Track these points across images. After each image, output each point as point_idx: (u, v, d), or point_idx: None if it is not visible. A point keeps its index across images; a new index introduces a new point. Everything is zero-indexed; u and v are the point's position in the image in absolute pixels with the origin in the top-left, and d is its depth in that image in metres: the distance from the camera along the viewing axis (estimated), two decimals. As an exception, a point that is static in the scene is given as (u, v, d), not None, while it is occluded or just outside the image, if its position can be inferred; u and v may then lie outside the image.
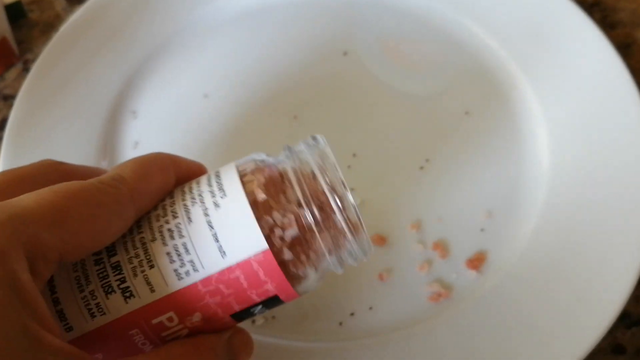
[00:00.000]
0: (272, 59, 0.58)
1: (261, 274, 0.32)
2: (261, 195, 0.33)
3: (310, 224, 0.33)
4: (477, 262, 0.47)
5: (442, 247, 0.48)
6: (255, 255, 0.32)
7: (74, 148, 0.53)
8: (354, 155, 0.53)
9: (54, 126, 0.54)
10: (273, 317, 0.46)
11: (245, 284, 0.33)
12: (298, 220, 0.33)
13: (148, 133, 0.55)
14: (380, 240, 0.48)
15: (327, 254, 0.34)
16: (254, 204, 0.33)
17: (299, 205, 0.33)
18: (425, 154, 0.52)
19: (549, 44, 0.56)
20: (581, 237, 0.46)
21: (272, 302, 0.34)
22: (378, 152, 0.53)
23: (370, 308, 0.46)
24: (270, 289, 0.33)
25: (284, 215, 0.33)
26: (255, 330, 0.45)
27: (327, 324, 0.45)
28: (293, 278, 0.33)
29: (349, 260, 0.35)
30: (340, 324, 0.45)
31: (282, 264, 0.33)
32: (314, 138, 0.36)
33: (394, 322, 0.45)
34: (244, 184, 0.33)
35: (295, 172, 0.34)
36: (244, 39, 0.59)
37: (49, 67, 0.56)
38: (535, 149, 0.52)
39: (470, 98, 0.55)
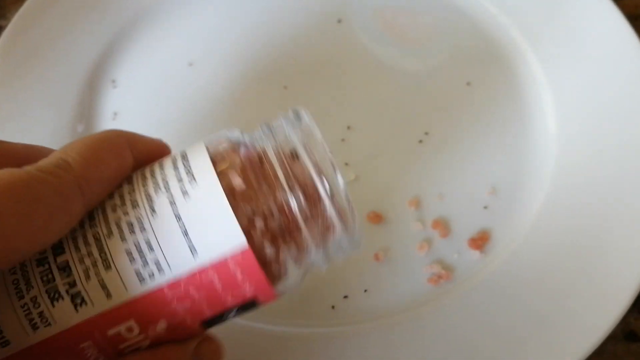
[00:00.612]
0: (261, 24, 0.56)
1: (239, 274, 0.28)
2: (237, 181, 0.29)
3: (296, 214, 0.29)
4: (480, 241, 0.45)
5: (442, 226, 0.46)
6: (232, 253, 0.28)
7: (49, 119, 0.51)
8: (348, 127, 0.51)
9: (28, 94, 0.51)
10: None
11: (219, 287, 0.28)
12: (281, 209, 0.29)
13: (128, 103, 0.53)
14: (376, 217, 0.46)
15: (313, 248, 0.30)
16: (230, 192, 0.28)
17: (282, 191, 0.29)
18: (425, 127, 0.50)
19: (553, 9, 0.54)
20: (592, 214, 0.44)
21: (248, 306, 0.30)
22: (374, 124, 0.51)
23: (365, 291, 0.44)
24: (249, 291, 0.29)
25: (265, 205, 0.28)
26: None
27: (318, 308, 0.43)
28: (274, 277, 0.30)
29: (337, 254, 0.31)
30: (333, 307, 0.43)
31: (263, 262, 0.29)
32: (296, 113, 0.31)
33: (391, 306, 0.43)
34: (216, 167, 0.29)
35: (277, 152, 0.30)
36: (232, 2, 0.57)
37: (22, 32, 0.54)
38: (541, 120, 0.50)
39: (471, 68, 0.53)
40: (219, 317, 0.30)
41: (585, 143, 0.48)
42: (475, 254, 0.45)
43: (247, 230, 0.28)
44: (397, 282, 0.44)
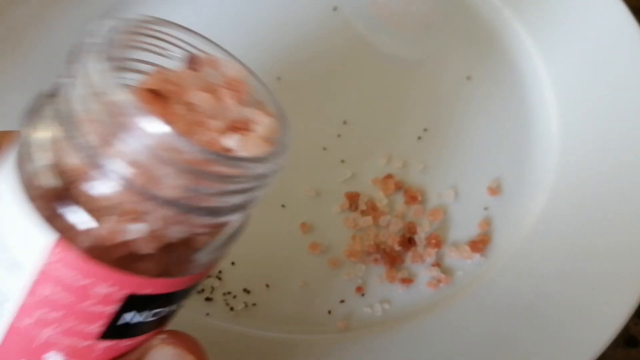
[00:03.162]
0: (253, 12, 0.53)
1: (72, 275, 0.21)
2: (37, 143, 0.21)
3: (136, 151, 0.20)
4: (481, 244, 0.44)
5: (441, 228, 0.45)
6: (50, 254, 0.21)
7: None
8: (345, 122, 0.49)
9: (2, 81, 0.49)
10: (254, 305, 0.43)
11: (68, 298, 0.22)
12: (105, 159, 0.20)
13: None
14: (374, 214, 0.45)
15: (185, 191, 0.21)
16: (21, 166, 0.21)
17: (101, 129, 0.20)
18: (424, 123, 0.49)
19: (557, 2, 0.52)
20: (596, 215, 0.43)
21: (138, 302, 0.23)
22: (371, 120, 0.49)
23: (363, 295, 0.43)
24: (110, 289, 0.22)
25: (78, 163, 0.20)
26: (233, 318, 0.42)
27: (314, 313, 0.42)
28: (132, 258, 0.22)
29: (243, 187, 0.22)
30: (329, 312, 0.42)
31: (103, 246, 0.21)
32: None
33: (388, 312, 0.42)
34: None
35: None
36: (221, -11, 0.52)
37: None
38: (544, 116, 0.49)
39: (471, 61, 0.51)
40: (115, 327, 0.23)
41: (589, 139, 0.46)
42: (475, 257, 0.43)
43: (55, 216, 0.21)
44: (395, 285, 0.43)
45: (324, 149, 0.47)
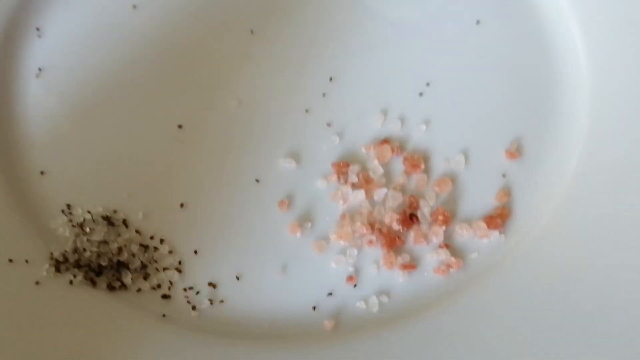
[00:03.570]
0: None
1: None
2: None
3: None
4: (499, 219, 0.40)
5: (450, 201, 0.41)
6: None
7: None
8: (331, 79, 0.44)
9: None
10: (221, 302, 0.39)
11: None
12: None
13: (56, 56, 0.45)
14: (368, 187, 0.41)
15: None
16: None
17: None
18: (426, 76, 0.44)
19: None
20: (634, 183, 0.39)
21: None
22: (362, 75, 0.44)
23: (355, 286, 0.39)
24: None
25: None
26: (195, 320, 0.38)
27: (295, 310, 0.39)
28: None
29: None
30: (314, 308, 0.39)
31: None
32: None
33: (387, 306, 0.39)
34: None
35: None
36: None
37: None
38: (571, 63, 0.44)
39: (480, 2, 0.46)
40: None
41: (624, 89, 0.42)
42: (493, 235, 0.40)
43: None
44: (394, 273, 0.39)
45: (307, 110, 0.43)
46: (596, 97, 0.43)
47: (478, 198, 0.41)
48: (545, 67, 0.44)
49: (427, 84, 0.44)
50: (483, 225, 0.40)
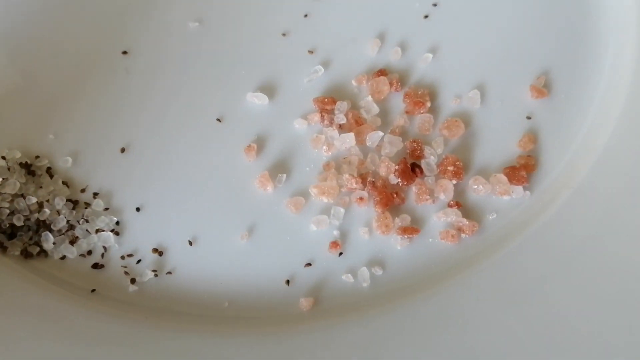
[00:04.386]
0: None
1: None
2: None
3: None
4: (523, 171, 0.36)
5: (461, 147, 0.37)
6: None
7: None
8: None
9: None
10: (169, 273, 0.33)
11: None
12: None
13: None
14: (358, 129, 0.36)
15: None
16: None
17: None
18: None
19: None
20: None
21: None
22: None
23: (341, 254, 0.35)
24: None
25: None
26: (134, 297, 0.33)
27: (263, 284, 0.33)
28: None
29: None
30: (288, 282, 0.34)
31: None
32: None
33: (381, 281, 0.34)
34: None
35: None
36: None
37: None
38: None
39: None
40: None
41: None
42: (516, 191, 0.36)
43: None
44: (391, 238, 0.35)
45: (284, 34, 0.40)
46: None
47: (497, 145, 0.38)
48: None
49: (434, 4, 0.41)
50: (503, 178, 0.36)
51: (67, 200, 0.33)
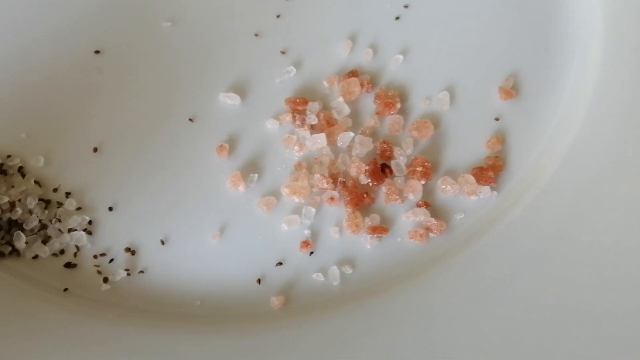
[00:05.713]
0: None
1: None
2: None
3: None
4: (491, 171, 0.36)
5: (430, 148, 0.37)
6: None
7: None
8: None
9: None
10: (142, 273, 0.34)
11: None
12: None
13: None
14: (330, 130, 0.37)
15: None
16: None
17: None
18: None
19: None
20: None
21: None
22: None
23: (312, 254, 0.35)
24: None
25: None
26: (106, 297, 0.33)
27: (235, 283, 0.34)
28: None
29: None
30: (259, 281, 0.34)
31: None
32: None
33: (351, 280, 0.34)
34: None
35: None
36: None
37: None
38: None
39: None
40: None
41: None
42: (483, 191, 0.36)
43: None
44: (361, 238, 0.35)
45: (256, 35, 0.40)
46: (611, 30, 0.39)
47: (466, 146, 0.38)
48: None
49: (405, 6, 0.41)
50: (471, 179, 0.37)
51: (40, 199, 0.33)
